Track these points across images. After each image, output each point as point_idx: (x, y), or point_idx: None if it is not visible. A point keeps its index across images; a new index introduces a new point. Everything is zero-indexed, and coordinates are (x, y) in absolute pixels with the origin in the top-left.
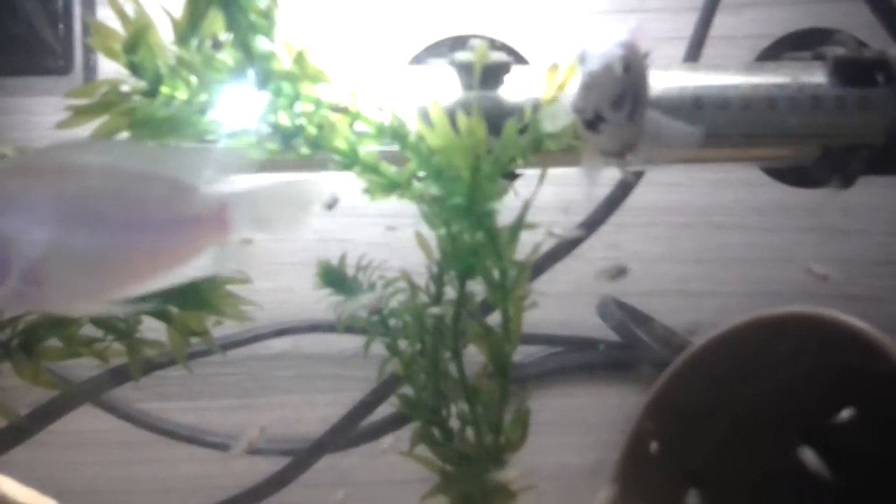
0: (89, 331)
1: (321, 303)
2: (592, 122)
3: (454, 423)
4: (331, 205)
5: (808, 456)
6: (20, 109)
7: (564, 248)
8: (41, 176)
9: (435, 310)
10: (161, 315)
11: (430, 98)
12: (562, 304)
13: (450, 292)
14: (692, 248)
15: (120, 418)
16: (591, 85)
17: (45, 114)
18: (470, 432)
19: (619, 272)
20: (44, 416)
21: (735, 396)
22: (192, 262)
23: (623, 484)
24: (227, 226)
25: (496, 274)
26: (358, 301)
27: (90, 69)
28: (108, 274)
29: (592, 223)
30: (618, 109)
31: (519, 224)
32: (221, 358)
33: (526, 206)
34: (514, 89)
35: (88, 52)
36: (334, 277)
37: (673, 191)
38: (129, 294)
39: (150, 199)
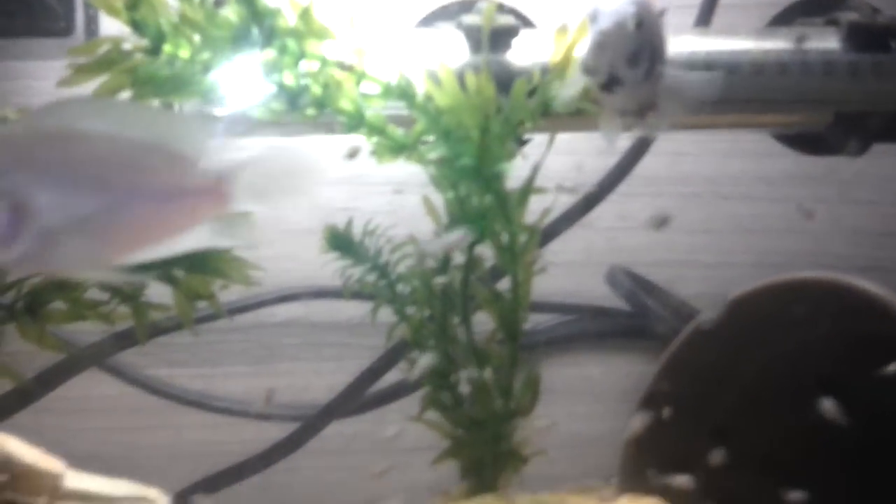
0: (95, 294)
1: (326, 270)
2: (608, 83)
3: (464, 389)
4: (352, 154)
5: (828, 406)
6: (22, 74)
7: (576, 212)
8: (49, 141)
9: (442, 279)
10: (167, 278)
11: (437, 60)
12: (571, 273)
13: (458, 258)
14: (700, 218)
15: (127, 383)
16: (604, 44)
17: (48, 78)
18: (480, 397)
19: (663, 221)
20: (48, 380)
21: (751, 359)
22: (191, 233)
23: (638, 448)
24: (226, 198)
25: (505, 238)
26: (443, 240)
27: (92, 31)
28: (110, 239)
29: (603, 189)
30: (633, 67)
31: (528, 187)
32: (228, 325)
33: (535, 169)
34: (522, 53)
35: (90, 13)
36: (341, 242)
37: (681, 160)
38: (130, 260)
39: (152, 169)
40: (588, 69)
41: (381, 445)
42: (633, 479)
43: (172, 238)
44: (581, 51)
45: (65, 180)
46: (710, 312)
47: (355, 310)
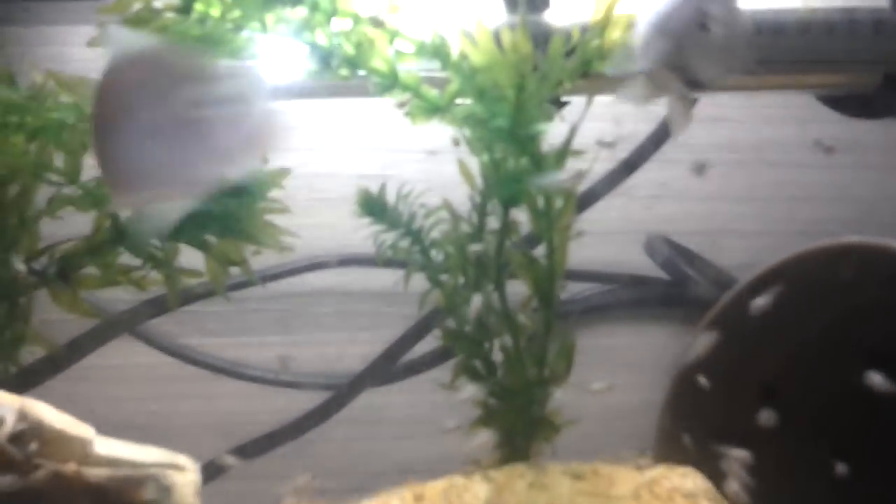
0: (127, 259)
1: (360, 237)
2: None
3: (497, 357)
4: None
5: (877, 379)
6: (55, 40)
7: (615, 177)
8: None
9: (477, 246)
10: (199, 244)
11: (473, 18)
12: (609, 242)
13: (493, 223)
14: (743, 186)
15: (161, 352)
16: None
17: (80, 45)
18: (512, 366)
19: (701, 167)
20: (81, 347)
21: (798, 322)
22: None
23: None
24: (279, 135)
25: (541, 202)
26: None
27: None
28: (189, 159)
29: (640, 157)
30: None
31: (566, 149)
32: (261, 294)
33: (573, 131)
34: (561, 13)
35: None
36: (374, 207)
37: (723, 126)
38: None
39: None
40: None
41: (415, 416)
42: (669, 445)
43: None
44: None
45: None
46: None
47: (389, 278)
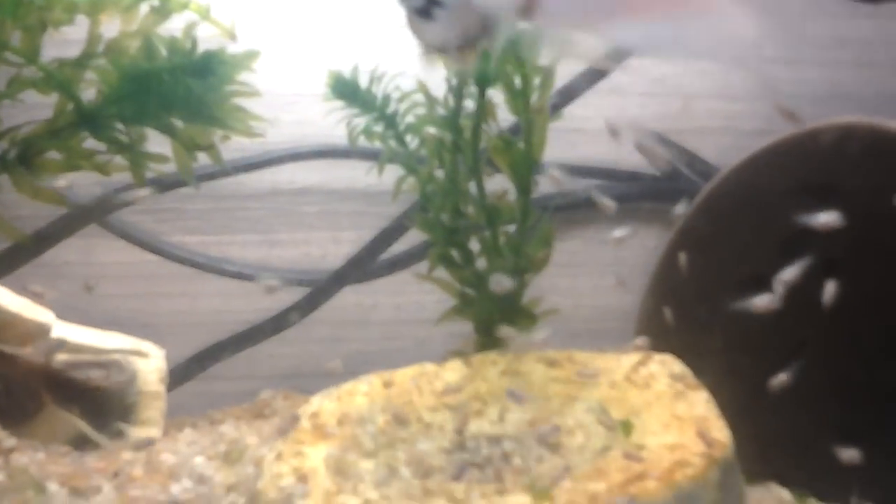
0: (91, 144)
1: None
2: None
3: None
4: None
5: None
6: None
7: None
8: None
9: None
10: (164, 128)
11: None
12: (602, 139)
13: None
14: (741, 83)
15: (144, 250)
16: None
17: None
18: (489, 254)
19: None
20: (48, 236)
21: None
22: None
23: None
24: None
25: (517, 81)
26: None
27: None
28: None
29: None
30: None
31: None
32: (244, 191)
33: None
34: None
35: None
36: (346, 89)
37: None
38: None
39: None
40: None
41: (399, 315)
42: (650, 319)
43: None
44: None
45: None
46: None
47: (372, 178)
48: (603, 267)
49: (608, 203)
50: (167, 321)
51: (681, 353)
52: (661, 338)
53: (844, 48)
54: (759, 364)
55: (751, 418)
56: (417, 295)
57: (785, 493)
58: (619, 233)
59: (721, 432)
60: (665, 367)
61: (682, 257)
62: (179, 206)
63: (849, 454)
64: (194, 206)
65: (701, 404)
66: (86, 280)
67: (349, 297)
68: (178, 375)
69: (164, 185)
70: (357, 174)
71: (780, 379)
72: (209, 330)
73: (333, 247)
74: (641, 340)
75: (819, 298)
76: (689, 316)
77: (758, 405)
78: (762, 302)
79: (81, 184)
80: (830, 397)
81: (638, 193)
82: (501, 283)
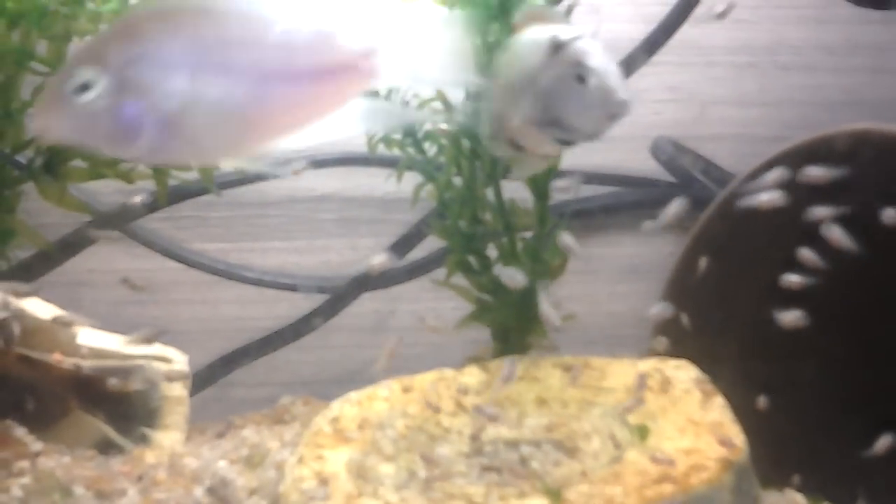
0: None
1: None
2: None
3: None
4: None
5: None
6: None
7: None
8: (178, 21)
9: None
10: None
11: None
12: (615, 146)
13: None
14: (755, 89)
15: (165, 257)
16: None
17: None
18: (507, 261)
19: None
20: (72, 245)
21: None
22: (335, 114)
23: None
24: (374, 73)
25: None
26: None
27: None
28: (248, 126)
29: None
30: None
31: None
32: (264, 199)
33: (569, 11)
34: None
35: None
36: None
37: (737, 28)
38: (272, 147)
39: (292, 47)
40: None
41: (416, 321)
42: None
43: (316, 119)
44: None
45: (196, 64)
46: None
47: (391, 185)
48: (619, 274)
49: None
50: (188, 328)
51: (697, 358)
52: (677, 343)
53: (858, 54)
54: (775, 369)
55: (766, 423)
56: (435, 301)
57: (800, 498)
58: (649, 225)
59: (736, 437)
60: (681, 372)
61: (700, 263)
62: (200, 214)
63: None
64: (215, 214)
65: (716, 409)
66: (127, 279)
67: (367, 304)
68: (199, 381)
69: (184, 192)
70: (375, 182)
71: (796, 385)
72: (229, 337)
73: (352, 254)
74: (659, 342)
75: (834, 303)
76: (705, 321)
77: (773, 410)
78: (790, 318)
79: (104, 192)
80: (846, 402)
81: (654, 200)
82: (514, 278)
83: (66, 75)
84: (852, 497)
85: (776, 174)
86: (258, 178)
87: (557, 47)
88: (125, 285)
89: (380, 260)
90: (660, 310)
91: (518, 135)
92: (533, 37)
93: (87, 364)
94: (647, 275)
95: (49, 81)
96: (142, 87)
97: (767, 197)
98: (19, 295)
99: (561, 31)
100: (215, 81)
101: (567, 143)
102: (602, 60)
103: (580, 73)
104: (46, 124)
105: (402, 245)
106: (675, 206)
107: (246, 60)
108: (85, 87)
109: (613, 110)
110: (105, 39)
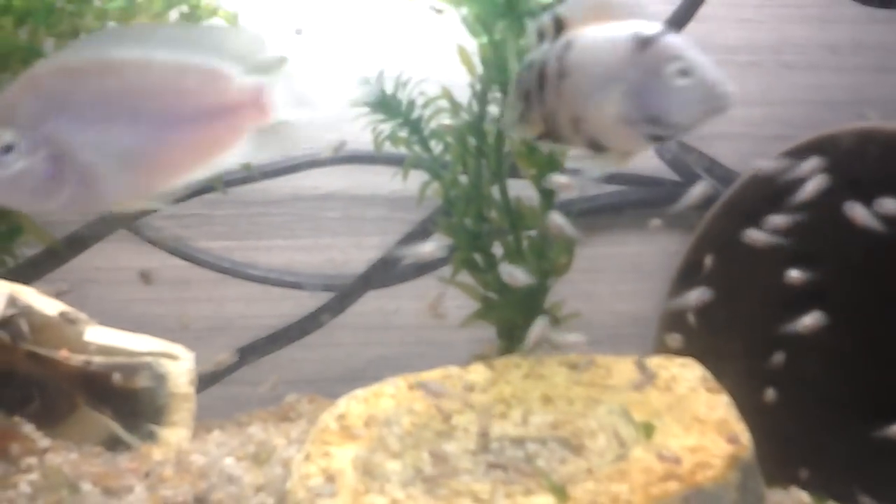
0: None
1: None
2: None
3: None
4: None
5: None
6: None
7: None
8: (83, 76)
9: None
10: None
11: None
12: None
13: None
14: (760, 88)
15: (170, 255)
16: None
17: None
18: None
19: None
20: (80, 241)
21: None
22: (234, 149)
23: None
24: (266, 109)
25: None
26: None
27: None
28: (153, 169)
29: None
30: None
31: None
32: (268, 197)
33: None
34: None
35: None
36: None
37: (741, 27)
38: (176, 186)
39: (186, 91)
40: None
41: (421, 320)
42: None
43: (217, 156)
44: None
45: (102, 115)
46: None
47: (396, 183)
48: (623, 272)
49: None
50: (193, 325)
51: (702, 356)
52: (683, 340)
53: (862, 53)
54: (780, 366)
55: (771, 421)
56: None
57: (804, 496)
58: (655, 222)
59: (742, 434)
60: (686, 370)
61: (705, 261)
62: (205, 212)
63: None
64: (220, 212)
65: (721, 407)
66: (145, 273)
67: (372, 302)
68: (205, 379)
69: (191, 190)
70: (380, 180)
71: (801, 383)
72: (234, 334)
73: (357, 252)
74: (673, 338)
75: (838, 301)
76: (710, 319)
77: (778, 407)
78: (810, 321)
79: None
80: (851, 400)
81: (658, 199)
82: (514, 275)
83: None
84: (857, 494)
85: (812, 163)
86: (264, 176)
87: (645, 43)
88: (143, 280)
89: (430, 248)
90: (698, 295)
91: (600, 133)
92: (607, 33)
93: (93, 360)
94: (653, 273)
95: None
96: (59, 142)
97: (812, 186)
98: (60, 295)
99: (639, 26)
100: (123, 130)
101: (660, 138)
102: (698, 54)
103: (683, 68)
104: None
105: (407, 243)
106: (699, 189)
107: (148, 108)
108: (8, 149)
109: (718, 104)
110: (13, 96)
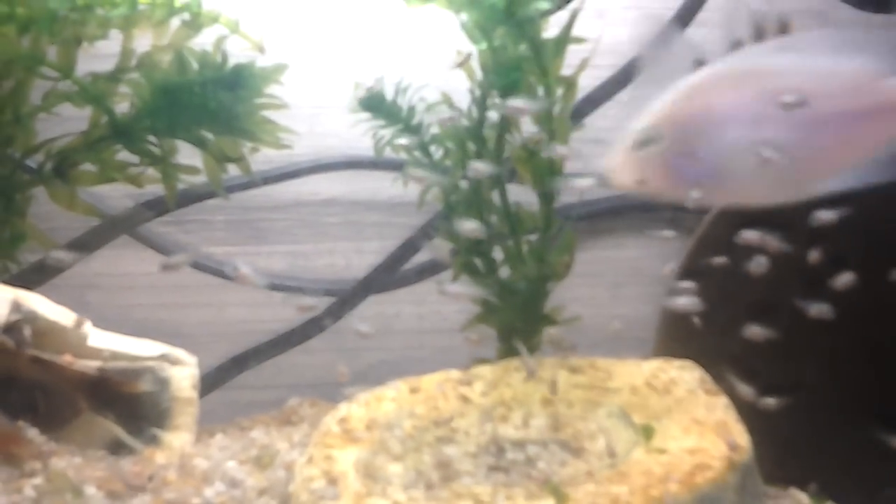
0: (125, 156)
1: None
2: None
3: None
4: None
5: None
6: None
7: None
8: (731, 84)
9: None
10: (195, 140)
11: None
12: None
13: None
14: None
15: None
16: None
17: None
18: (513, 262)
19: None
20: (81, 246)
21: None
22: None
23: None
24: None
25: (541, 91)
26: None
27: None
28: (794, 167)
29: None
30: None
31: (566, 35)
32: (269, 202)
33: (574, 15)
34: None
35: None
36: (373, 100)
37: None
38: (814, 187)
39: (832, 94)
40: None
41: (421, 324)
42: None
43: (861, 159)
44: None
45: (750, 116)
46: None
47: (396, 188)
48: (623, 276)
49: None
50: (195, 331)
51: (701, 358)
52: (681, 343)
53: None
54: (779, 368)
55: (770, 422)
56: (439, 304)
57: (803, 497)
58: (668, 234)
59: (740, 436)
60: (685, 373)
61: (704, 264)
62: (206, 218)
63: None
64: (221, 218)
65: (720, 409)
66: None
67: (372, 308)
68: (207, 384)
69: (191, 196)
70: (380, 185)
71: (800, 383)
72: (236, 339)
73: (357, 257)
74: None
75: (838, 303)
76: (709, 321)
77: (777, 409)
78: (818, 310)
79: (113, 195)
80: (850, 401)
81: (648, 203)
82: (469, 227)
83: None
84: (857, 496)
85: None
86: (264, 181)
87: None
88: (166, 270)
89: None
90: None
91: None
92: None
93: (96, 365)
94: (652, 277)
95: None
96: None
97: None
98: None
99: None
100: (763, 131)
101: None
102: None
103: None
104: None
105: (407, 248)
106: None
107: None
108: (652, 140)
109: None
110: (671, 103)
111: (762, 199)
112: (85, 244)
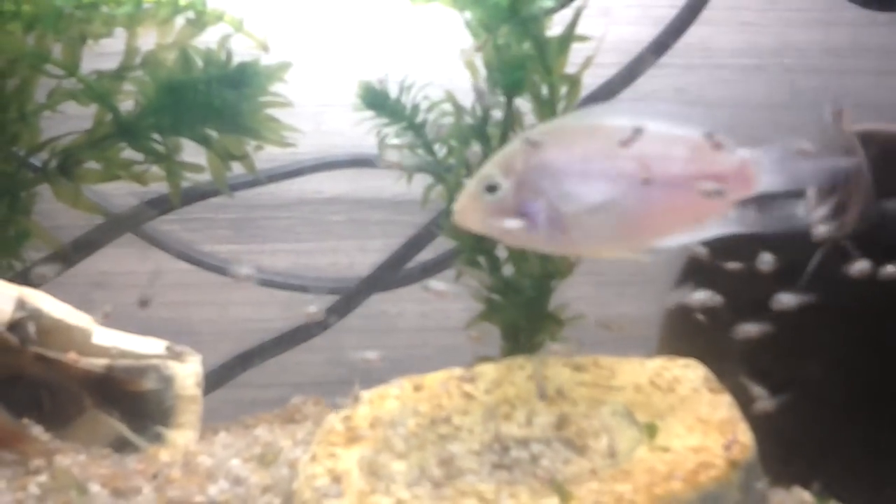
0: (129, 154)
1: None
2: None
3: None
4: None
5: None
6: None
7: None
8: (572, 140)
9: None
10: (200, 138)
11: None
12: None
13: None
14: (762, 92)
15: (175, 259)
16: None
17: None
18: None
19: None
20: (86, 245)
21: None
22: (716, 217)
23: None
24: (750, 183)
25: (544, 90)
26: None
27: None
28: (628, 225)
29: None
30: None
31: (570, 33)
32: (273, 201)
33: (578, 13)
34: None
35: None
36: (376, 98)
37: (743, 30)
38: (649, 244)
39: (670, 158)
40: None
41: (425, 323)
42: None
43: (694, 223)
44: None
45: (584, 174)
46: None
47: (400, 186)
48: (627, 275)
49: None
50: (199, 329)
51: (704, 356)
52: (684, 341)
53: (864, 56)
54: (782, 366)
55: (773, 421)
56: (443, 302)
57: (807, 496)
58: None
59: (744, 435)
60: (689, 371)
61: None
62: (210, 216)
63: None
64: (224, 216)
65: (724, 407)
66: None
67: (375, 306)
68: (211, 382)
69: (195, 194)
70: (384, 183)
71: (803, 381)
72: (239, 337)
73: (361, 255)
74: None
75: (840, 301)
76: (712, 319)
77: (780, 408)
78: (858, 267)
79: (117, 193)
80: (853, 400)
81: None
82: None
83: (481, 179)
84: (861, 495)
85: None
86: (268, 179)
87: None
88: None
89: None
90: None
91: None
92: None
93: (100, 362)
94: (656, 275)
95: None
96: (540, 191)
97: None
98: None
99: None
100: (599, 189)
101: None
102: None
103: None
104: (463, 214)
105: (411, 246)
106: None
107: (625, 171)
108: (493, 189)
109: None
110: (513, 153)
111: (601, 251)
112: (89, 242)
